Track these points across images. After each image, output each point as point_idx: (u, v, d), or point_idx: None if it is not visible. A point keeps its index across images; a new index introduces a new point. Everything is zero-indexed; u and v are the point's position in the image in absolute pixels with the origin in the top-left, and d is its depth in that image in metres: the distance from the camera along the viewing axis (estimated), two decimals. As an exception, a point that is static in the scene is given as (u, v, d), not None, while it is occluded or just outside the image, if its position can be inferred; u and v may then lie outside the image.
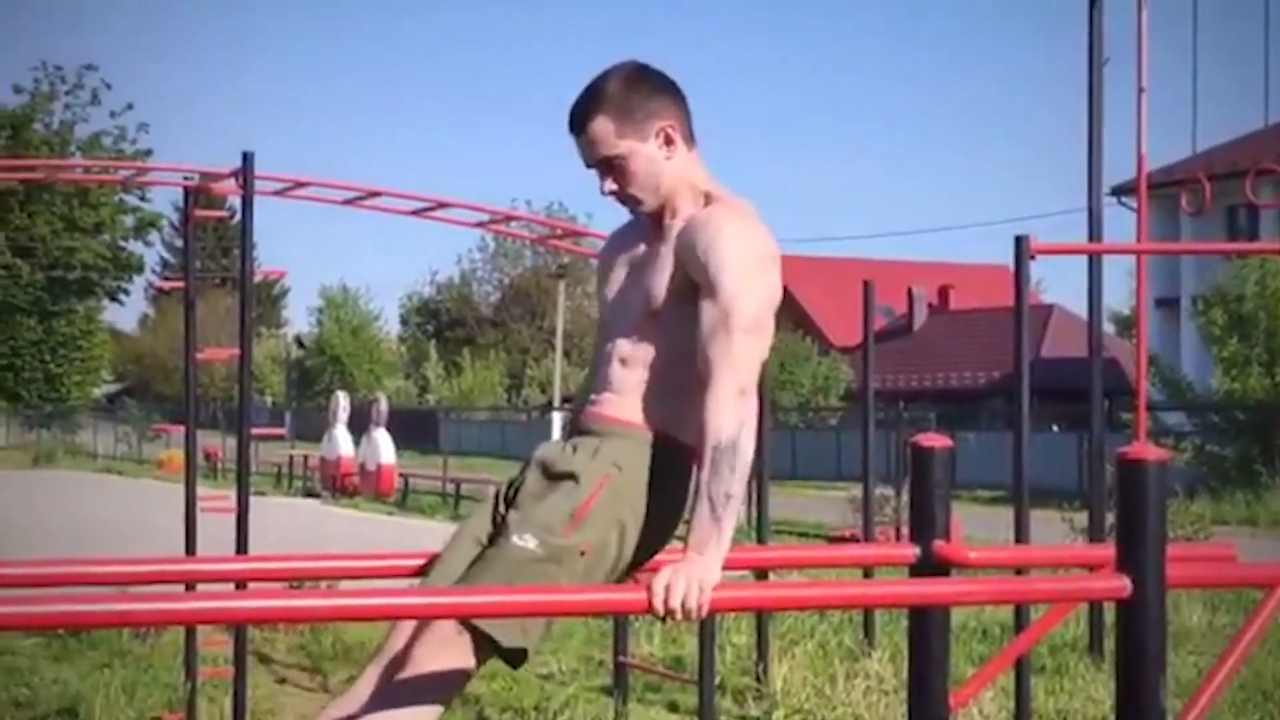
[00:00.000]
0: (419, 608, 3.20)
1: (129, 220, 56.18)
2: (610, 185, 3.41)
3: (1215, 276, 30.85)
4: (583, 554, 3.30)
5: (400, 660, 3.30)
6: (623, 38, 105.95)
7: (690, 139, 3.44)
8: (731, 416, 3.13)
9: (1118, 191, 30.48)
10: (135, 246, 57.57)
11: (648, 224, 3.49)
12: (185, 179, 9.46)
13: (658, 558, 3.32)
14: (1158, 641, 3.16)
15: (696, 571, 3.00)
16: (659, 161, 3.38)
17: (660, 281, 3.37)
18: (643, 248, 3.48)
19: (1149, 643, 3.15)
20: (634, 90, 3.36)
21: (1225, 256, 30.56)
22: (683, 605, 2.97)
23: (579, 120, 3.39)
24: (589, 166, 3.42)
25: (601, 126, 3.35)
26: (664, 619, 3.00)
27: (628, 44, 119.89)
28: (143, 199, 55.39)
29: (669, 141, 3.38)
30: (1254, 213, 34.26)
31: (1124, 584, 3.14)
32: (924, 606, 3.65)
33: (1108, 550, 3.53)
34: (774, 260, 3.34)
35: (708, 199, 3.40)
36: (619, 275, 3.55)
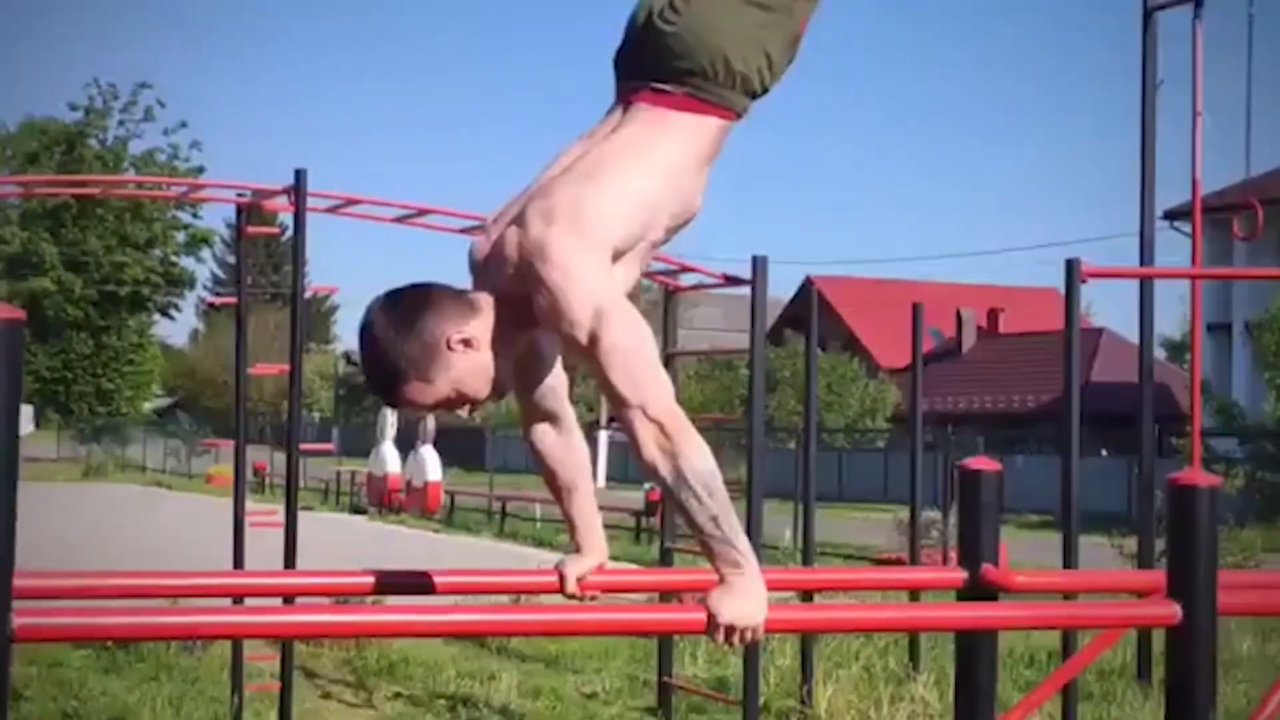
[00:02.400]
0: (465, 624, 3.20)
1: (181, 236, 56.72)
2: (464, 410, 3.23)
3: (1268, 301, 30.59)
4: None
5: None
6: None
7: (471, 309, 3.17)
8: (653, 444, 2.95)
9: (1170, 215, 30.22)
10: (187, 262, 58.15)
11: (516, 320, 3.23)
12: (238, 195, 9.54)
13: (713, 579, 3.23)
14: (1208, 669, 3.13)
15: (746, 590, 2.98)
16: (476, 361, 3.16)
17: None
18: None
19: (1199, 670, 3.12)
20: (406, 336, 3.11)
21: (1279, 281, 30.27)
22: (744, 626, 2.95)
23: (390, 402, 3.22)
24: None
25: (411, 391, 3.14)
26: (728, 642, 2.97)
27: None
28: (195, 215, 55.97)
29: (467, 343, 3.13)
30: (1308, 238, 33.98)
31: (1174, 611, 3.12)
32: (972, 631, 3.63)
33: (1157, 576, 3.50)
34: (598, 257, 3.12)
35: (507, 298, 3.18)
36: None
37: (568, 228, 3.09)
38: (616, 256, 3.19)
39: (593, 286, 3.05)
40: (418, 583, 3.66)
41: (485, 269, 3.26)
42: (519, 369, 3.49)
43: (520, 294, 3.15)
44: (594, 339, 3.01)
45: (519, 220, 3.17)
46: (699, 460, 2.96)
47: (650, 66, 3.31)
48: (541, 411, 3.55)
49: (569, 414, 3.58)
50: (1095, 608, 3.92)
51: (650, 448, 2.96)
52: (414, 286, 3.23)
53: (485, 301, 3.21)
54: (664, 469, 2.95)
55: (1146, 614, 3.60)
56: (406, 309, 3.16)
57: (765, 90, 3.37)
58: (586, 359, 3.07)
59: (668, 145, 3.27)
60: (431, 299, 3.17)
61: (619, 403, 3.01)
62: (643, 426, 2.96)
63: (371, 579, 3.60)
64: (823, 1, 3.46)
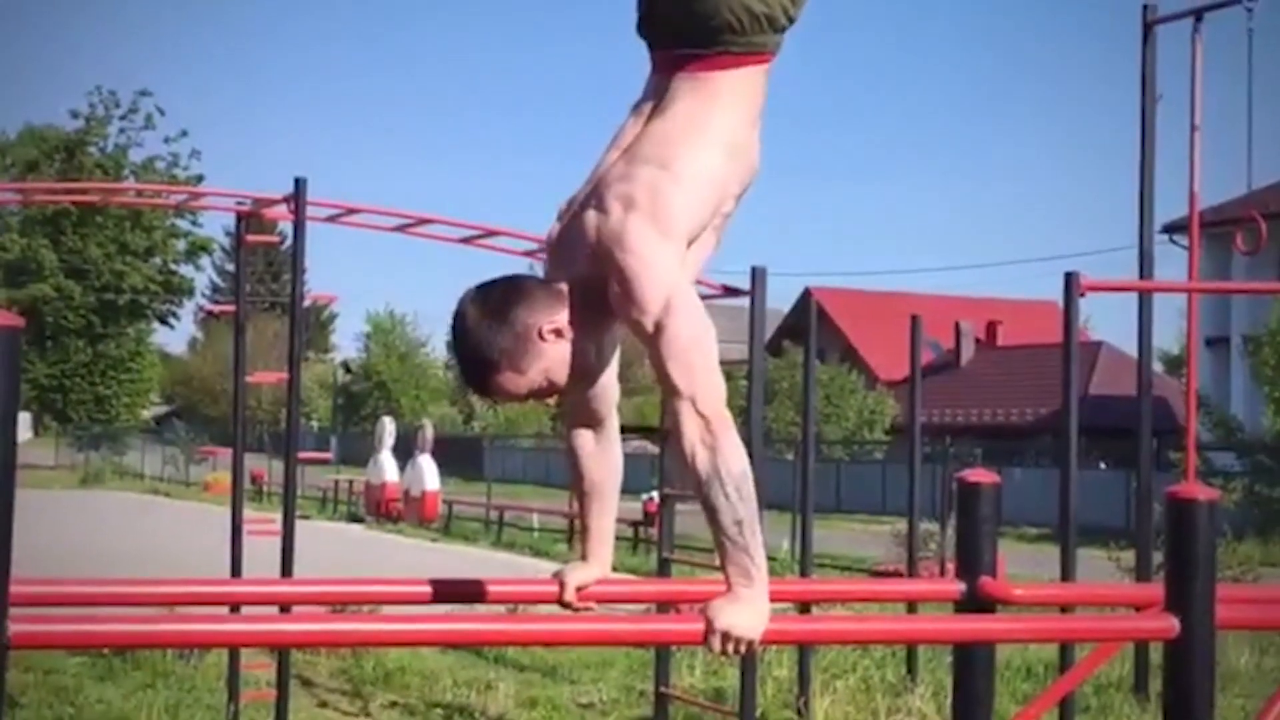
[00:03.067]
0: (462, 634, 3.20)
1: (180, 244, 56.67)
2: (551, 400, 3.34)
3: (1266, 316, 30.62)
4: None
5: None
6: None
7: (559, 299, 3.21)
8: (695, 436, 3.00)
9: (1169, 229, 30.23)
10: (186, 270, 58.09)
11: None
12: (238, 204, 9.55)
13: (710, 589, 3.24)
14: (1205, 683, 3.13)
15: (750, 601, 2.98)
16: (566, 350, 3.20)
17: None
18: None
19: (1196, 684, 3.12)
20: (498, 328, 3.15)
21: (1277, 296, 30.30)
22: (739, 636, 2.95)
23: (483, 392, 3.26)
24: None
25: (503, 380, 3.18)
26: (723, 652, 2.98)
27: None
28: (194, 223, 55.89)
29: (558, 332, 3.18)
30: (1306, 252, 34.01)
31: (1172, 624, 3.11)
32: (970, 643, 3.62)
33: (1155, 590, 3.50)
34: (675, 236, 3.17)
35: (584, 280, 3.22)
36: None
37: (647, 217, 3.14)
38: (692, 237, 3.25)
39: (665, 277, 3.10)
40: (414, 592, 3.65)
41: (560, 254, 3.31)
42: (588, 360, 3.52)
43: (598, 278, 3.18)
44: (659, 328, 3.06)
45: (597, 204, 3.21)
46: (736, 461, 3.00)
47: (678, 33, 3.33)
48: (588, 413, 3.55)
49: (613, 422, 3.60)
50: (1093, 621, 3.92)
51: (692, 439, 3.00)
52: (505, 279, 3.28)
53: (559, 295, 3.25)
54: (701, 463, 2.99)
55: (1144, 628, 3.59)
56: (498, 300, 3.21)
57: (792, 21, 3.38)
58: (649, 347, 3.11)
59: (723, 116, 3.31)
60: (523, 290, 3.23)
61: (672, 392, 3.04)
62: (689, 418, 3.01)
63: (368, 588, 3.60)
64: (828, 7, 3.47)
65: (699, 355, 3.06)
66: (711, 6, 3.26)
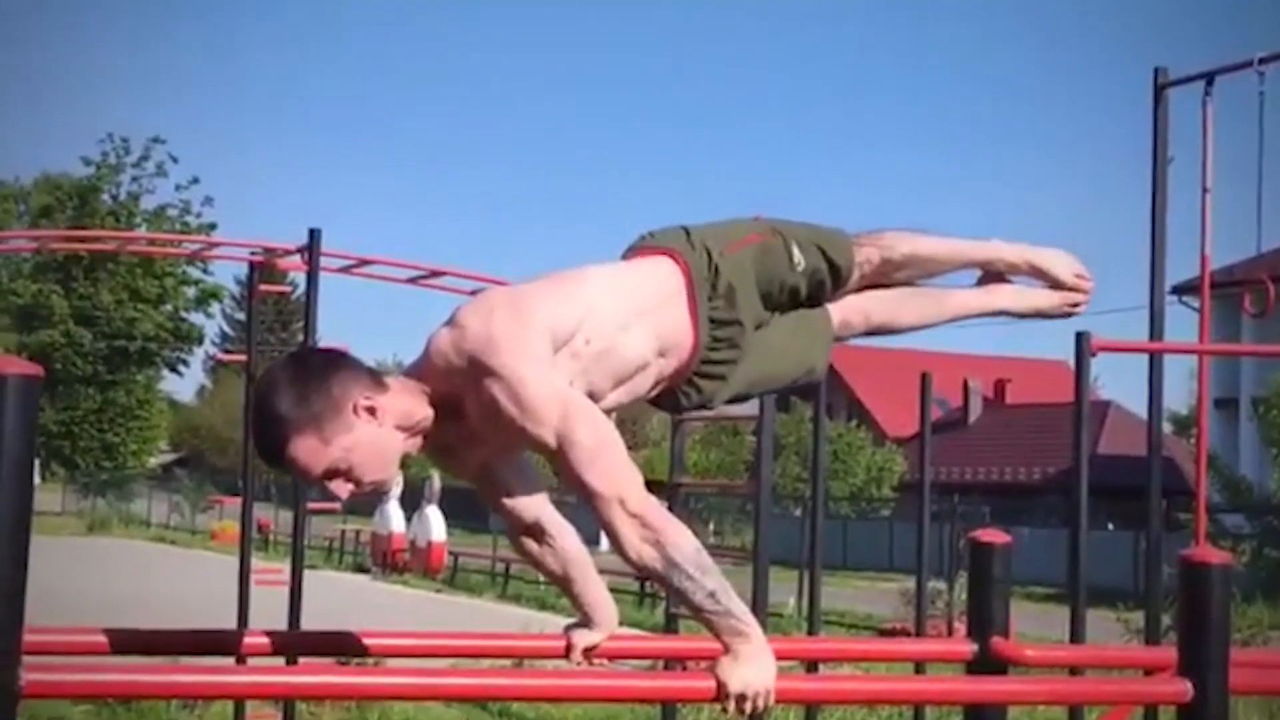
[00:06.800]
0: (469, 688, 3.18)
1: (191, 291, 56.79)
2: (344, 489, 3.11)
3: (1275, 378, 30.60)
4: None
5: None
6: (662, 85, 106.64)
7: (380, 384, 3.10)
8: (636, 538, 2.95)
9: (1178, 290, 30.29)
10: (195, 318, 58.18)
11: (444, 417, 3.18)
12: (252, 254, 9.59)
13: (719, 646, 3.20)
14: (1219, 748, 3.11)
15: (754, 656, 2.96)
16: (377, 436, 3.07)
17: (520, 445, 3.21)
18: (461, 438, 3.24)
19: (1210, 750, 3.10)
20: (308, 391, 3.01)
21: (1287, 358, 30.29)
22: (755, 692, 2.93)
23: (277, 457, 3.06)
24: (312, 484, 3.15)
25: (302, 447, 3.01)
26: (740, 710, 2.94)
27: (671, 94, 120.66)
28: (205, 271, 56.05)
29: (372, 411, 3.05)
30: (1316, 315, 34.01)
31: (1186, 688, 3.10)
32: (982, 705, 3.60)
33: (1167, 653, 3.48)
34: (543, 351, 3.08)
35: (434, 396, 3.13)
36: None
37: (510, 316, 3.06)
38: (559, 345, 3.15)
39: (552, 384, 3.03)
40: (419, 645, 3.64)
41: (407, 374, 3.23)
42: (491, 485, 3.48)
43: (445, 392, 3.12)
44: (564, 439, 2.98)
45: (449, 324, 3.12)
46: (685, 542, 2.97)
47: None
48: (520, 523, 3.54)
49: (550, 518, 3.55)
50: (1108, 684, 3.90)
51: (634, 541, 2.96)
52: (329, 349, 3.25)
53: (400, 385, 3.15)
54: (653, 559, 2.95)
55: (1158, 691, 3.57)
56: (318, 365, 3.12)
57: (713, 254, 3.41)
58: (551, 456, 3.04)
59: (606, 268, 3.39)
60: (345, 362, 3.14)
61: (595, 498, 2.97)
62: (623, 521, 2.96)
63: (375, 640, 3.58)
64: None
65: (613, 455, 3.00)
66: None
